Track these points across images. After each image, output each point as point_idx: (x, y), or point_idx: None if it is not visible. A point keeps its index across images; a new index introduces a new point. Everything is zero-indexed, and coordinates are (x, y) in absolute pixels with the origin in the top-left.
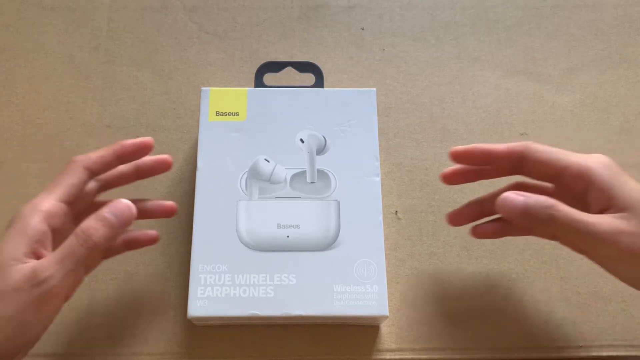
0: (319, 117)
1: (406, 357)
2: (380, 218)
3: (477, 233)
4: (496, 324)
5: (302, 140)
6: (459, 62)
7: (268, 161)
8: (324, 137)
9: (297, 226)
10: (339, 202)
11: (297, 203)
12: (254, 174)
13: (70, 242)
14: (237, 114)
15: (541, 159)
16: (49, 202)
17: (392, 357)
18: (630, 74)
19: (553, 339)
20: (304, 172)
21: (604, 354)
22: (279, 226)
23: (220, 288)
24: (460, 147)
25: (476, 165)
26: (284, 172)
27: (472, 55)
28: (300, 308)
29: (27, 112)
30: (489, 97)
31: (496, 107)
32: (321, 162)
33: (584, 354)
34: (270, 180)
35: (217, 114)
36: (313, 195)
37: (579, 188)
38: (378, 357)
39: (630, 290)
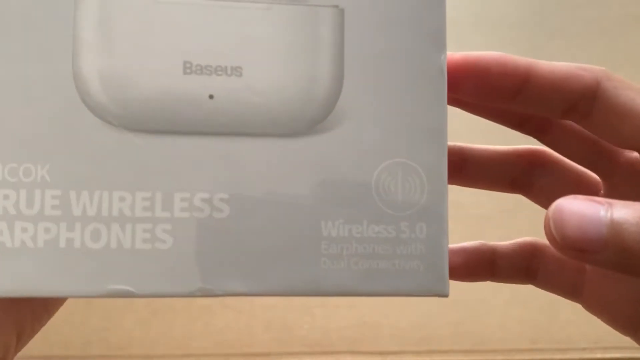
0: None
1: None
2: (444, 59)
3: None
4: (499, 325)
5: None
6: None
7: None
8: None
9: (236, 70)
10: (342, 11)
11: (237, 10)
12: None
13: None
14: None
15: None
16: None
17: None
18: (635, 73)
19: (557, 340)
20: None
21: (608, 355)
22: (187, 68)
23: (31, 226)
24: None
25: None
26: None
27: None
28: (238, 279)
29: None
30: None
31: None
32: None
33: (587, 355)
34: None
35: None
36: None
37: None
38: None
39: None
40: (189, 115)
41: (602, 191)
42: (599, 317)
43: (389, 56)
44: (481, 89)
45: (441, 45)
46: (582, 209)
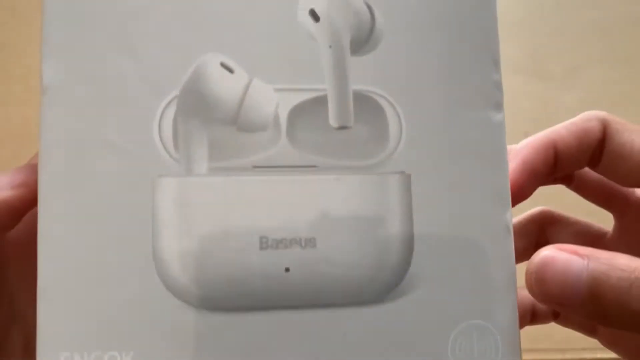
0: None
1: None
2: (509, 216)
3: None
4: None
5: (314, 15)
6: None
7: (231, 70)
8: (368, 6)
9: (310, 242)
10: (409, 177)
11: (307, 184)
12: (197, 102)
13: None
14: None
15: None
16: None
17: None
18: (634, 72)
19: (557, 340)
20: (323, 101)
21: (608, 356)
22: (263, 243)
23: None
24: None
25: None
26: (270, 100)
27: None
28: None
29: (24, 112)
30: None
31: None
32: (362, 73)
33: (587, 355)
34: (237, 121)
35: None
36: (346, 162)
37: None
38: None
39: None
40: (267, 290)
41: (612, 230)
42: (614, 353)
43: (457, 218)
44: (537, 184)
45: (506, 204)
46: (563, 268)
